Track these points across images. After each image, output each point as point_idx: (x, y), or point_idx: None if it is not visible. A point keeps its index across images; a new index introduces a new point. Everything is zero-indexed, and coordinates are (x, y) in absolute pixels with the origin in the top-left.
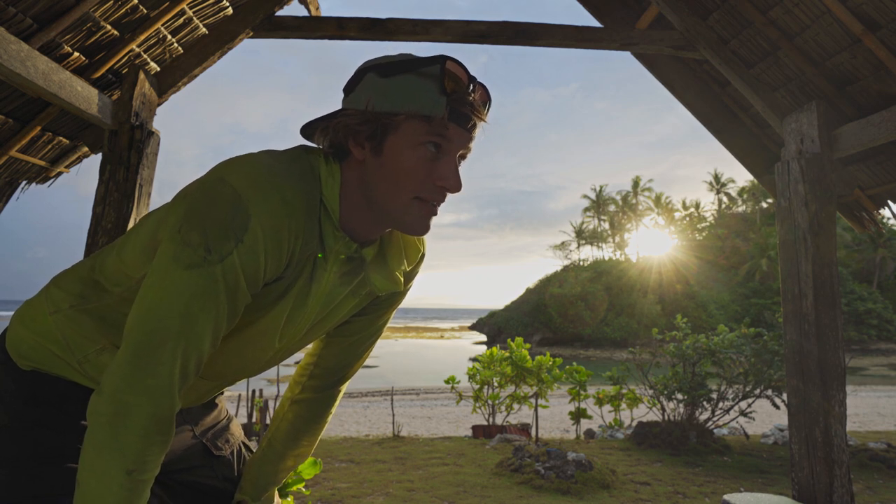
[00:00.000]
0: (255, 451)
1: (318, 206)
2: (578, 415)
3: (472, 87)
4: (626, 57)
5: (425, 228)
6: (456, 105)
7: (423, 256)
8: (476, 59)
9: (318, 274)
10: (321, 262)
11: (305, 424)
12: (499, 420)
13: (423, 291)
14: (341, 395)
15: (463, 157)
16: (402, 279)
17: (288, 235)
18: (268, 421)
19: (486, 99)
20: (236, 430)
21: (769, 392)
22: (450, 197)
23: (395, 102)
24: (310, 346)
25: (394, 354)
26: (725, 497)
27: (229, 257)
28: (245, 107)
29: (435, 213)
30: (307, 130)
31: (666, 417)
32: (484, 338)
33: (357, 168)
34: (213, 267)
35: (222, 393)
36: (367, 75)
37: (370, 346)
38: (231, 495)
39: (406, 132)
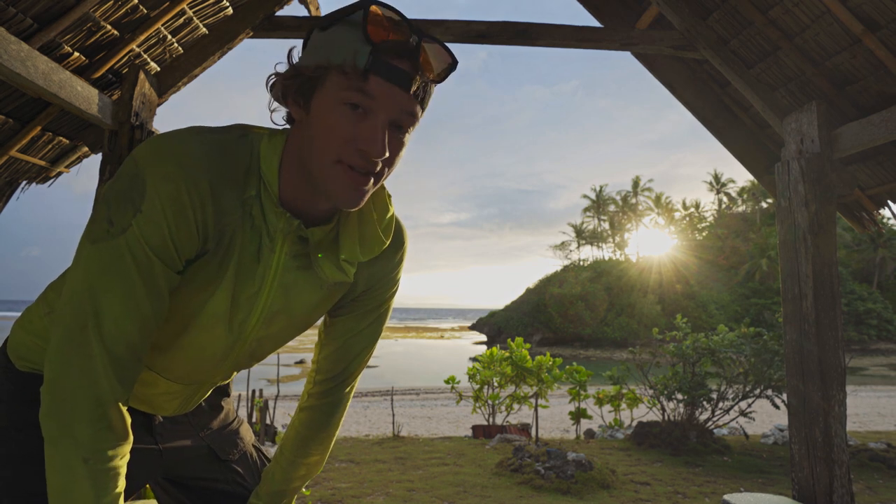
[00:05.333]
0: (265, 451)
1: (247, 180)
2: (578, 415)
3: (412, 39)
4: (628, 54)
5: (352, 199)
6: (383, 56)
7: (400, 240)
8: (475, 55)
9: (264, 254)
10: (267, 241)
11: (312, 432)
12: (499, 420)
13: (423, 291)
14: (347, 401)
15: (400, 124)
16: (352, 270)
17: (190, 202)
18: (268, 421)
19: (440, 56)
20: (246, 435)
21: (769, 392)
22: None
23: (320, 54)
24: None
25: (394, 354)
26: (725, 497)
27: (130, 228)
28: (241, 104)
29: (364, 183)
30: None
31: (666, 417)
32: (484, 338)
33: (297, 131)
34: (117, 239)
35: (228, 395)
36: (312, 32)
37: (366, 350)
38: (244, 497)
39: (329, 87)
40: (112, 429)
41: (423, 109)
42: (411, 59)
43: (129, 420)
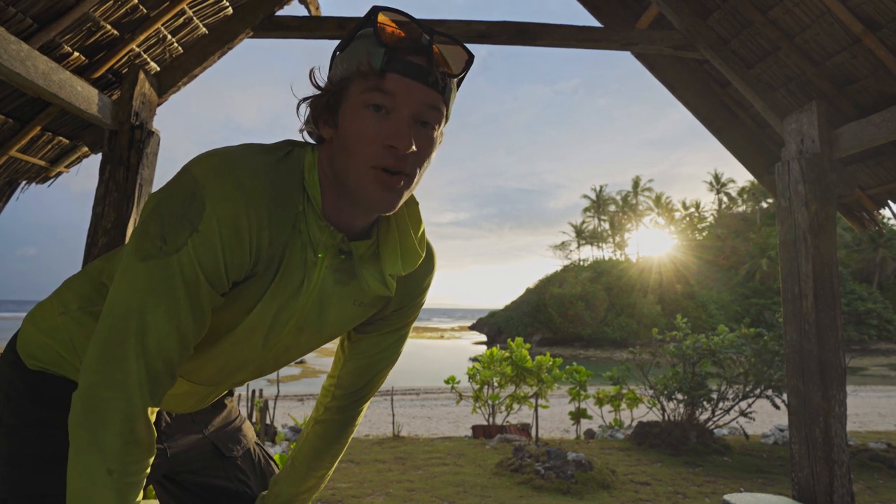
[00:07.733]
0: (267, 449)
1: (296, 197)
2: (578, 415)
3: (423, 37)
4: (629, 54)
5: (387, 202)
6: (398, 54)
7: (431, 264)
8: (475, 53)
9: (308, 268)
10: (311, 255)
11: (327, 444)
12: (499, 420)
13: None
14: (362, 415)
15: (425, 119)
16: (394, 284)
17: (248, 225)
18: (268, 421)
19: (455, 52)
20: (248, 432)
21: (769, 392)
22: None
23: (342, 69)
24: (331, 365)
25: None
26: (725, 497)
27: (185, 248)
28: (239, 102)
29: (396, 184)
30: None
31: (666, 417)
32: (484, 338)
33: (327, 149)
34: (169, 258)
35: (231, 394)
36: (334, 56)
37: (388, 366)
38: (245, 496)
39: (351, 96)
40: (139, 443)
41: (446, 104)
42: (426, 54)
43: (154, 435)
